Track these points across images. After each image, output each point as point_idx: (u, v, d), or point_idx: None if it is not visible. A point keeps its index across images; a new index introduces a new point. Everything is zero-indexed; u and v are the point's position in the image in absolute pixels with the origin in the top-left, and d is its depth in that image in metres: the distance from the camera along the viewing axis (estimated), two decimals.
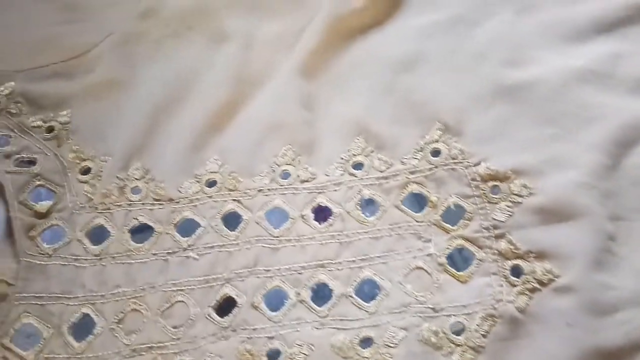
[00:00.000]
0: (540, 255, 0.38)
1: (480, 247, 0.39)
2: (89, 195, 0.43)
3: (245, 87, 0.47)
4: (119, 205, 0.43)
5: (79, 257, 0.41)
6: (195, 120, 0.46)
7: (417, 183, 0.42)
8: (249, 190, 0.43)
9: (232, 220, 0.42)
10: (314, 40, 0.47)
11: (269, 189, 0.43)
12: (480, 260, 0.39)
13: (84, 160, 0.44)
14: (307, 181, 0.43)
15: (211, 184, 0.43)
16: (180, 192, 0.43)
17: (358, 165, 0.43)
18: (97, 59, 0.48)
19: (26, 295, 0.39)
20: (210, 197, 0.43)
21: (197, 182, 0.44)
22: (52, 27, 0.50)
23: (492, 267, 0.39)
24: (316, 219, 0.42)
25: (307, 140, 0.44)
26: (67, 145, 0.45)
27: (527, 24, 0.47)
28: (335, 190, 0.42)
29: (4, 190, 0.43)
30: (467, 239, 0.40)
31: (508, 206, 0.40)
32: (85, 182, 0.44)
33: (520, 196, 0.40)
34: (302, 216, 0.42)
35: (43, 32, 0.49)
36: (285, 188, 0.43)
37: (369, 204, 0.42)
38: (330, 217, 0.41)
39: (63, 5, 0.50)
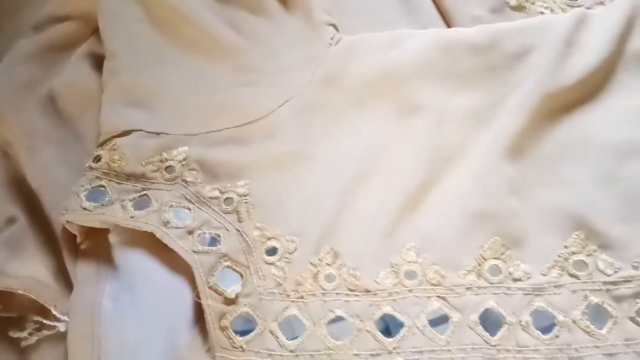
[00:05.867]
0: None
1: None
2: (277, 279, 0.40)
3: (439, 166, 0.43)
4: (313, 294, 0.40)
5: (273, 353, 0.38)
6: (387, 200, 0.42)
7: None
8: (455, 287, 0.39)
9: (439, 321, 0.38)
10: (519, 118, 0.43)
11: (478, 287, 0.39)
12: None
13: (270, 239, 0.41)
14: (520, 280, 0.39)
15: (410, 275, 0.40)
16: (377, 282, 0.40)
17: (579, 266, 0.39)
18: (275, 126, 0.45)
19: None
20: (410, 290, 0.39)
21: (394, 272, 0.40)
22: (227, 91, 0.46)
23: None
24: (537, 327, 0.37)
25: (516, 232, 0.40)
26: (250, 221, 0.42)
27: None
28: (556, 294, 0.38)
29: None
30: None
31: None
32: (272, 263, 0.41)
33: None
34: (520, 322, 0.38)
35: (217, 96, 0.46)
36: (497, 287, 0.39)
37: (597, 313, 0.37)
38: (555, 326, 0.37)
39: (237, 67, 0.47)
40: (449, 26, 0.51)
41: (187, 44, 0.48)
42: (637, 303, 0.37)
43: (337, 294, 0.40)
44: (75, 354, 0.39)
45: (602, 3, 0.49)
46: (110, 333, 0.39)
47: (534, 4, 0.50)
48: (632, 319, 0.37)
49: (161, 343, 0.38)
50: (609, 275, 0.38)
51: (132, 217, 0.41)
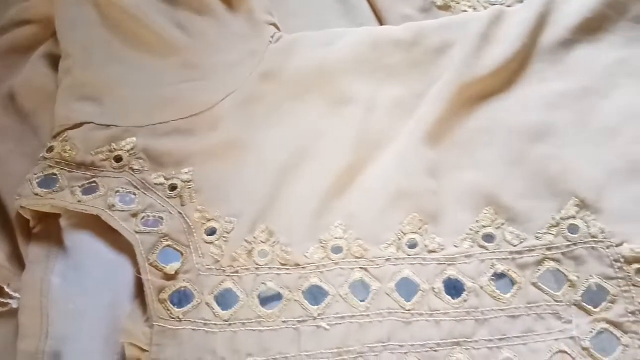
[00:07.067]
0: None
1: (625, 332, 0.38)
2: (215, 257, 0.43)
3: (366, 152, 0.47)
4: (247, 269, 0.43)
5: (208, 322, 0.41)
6: (318, 183, 0.45)
7: (553, 260, 0.41)
8: (376, 259, 0.42)
9: (360, 290, 0.42)
10: (438, 107, 0.46)
11: (396, 258, 0.42)
12: (625, 346, 0.38)
13: (209, 220, 0.45)
14: (434, 251, 0.43)
15: (337, 250, 0.43)
16: (306, 257, 0.43)
17: (488, 238, 0.43)
18: (218, 118, 0.48)
19: None
20: (336, 263, 0.43)
21: (322, 247, 0.43)
22: (173, 85, 0.50)
23: (639, 354, 0.37)
24: (448, 293, 0.41)
25: (433, 209, 0.44)
26: (192, 204, 0.45)
27: None
28: (466, 263, 0.42)
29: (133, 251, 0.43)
30: (611, 322, 0.38)
31: None
32: (211, 242, 0.44)
33: None
34: (433, 289, 0.41)
35: (164, 90, 0.49)
36: (413, 258, 0.42)
37: (502, 280, 0.41)
38: (464, 291, 0.41)
39: (184, 64, 0.51)
40: (381, 24, 0.54)
41: (137, 43, 0.51)
42: (538, 270, 0.41)
43: (269, 268, 0.43)
44: (26, 327, 0.42)
45: (520, 1, 0.53)
46: (57, 306, 0.42)
47: (458, 3, 0.54)
48: (534, 284, 0.41)
49: (103, 313, 0.42)
50: (514, 246, 0.42)
51: (79, 201, 0.44)
